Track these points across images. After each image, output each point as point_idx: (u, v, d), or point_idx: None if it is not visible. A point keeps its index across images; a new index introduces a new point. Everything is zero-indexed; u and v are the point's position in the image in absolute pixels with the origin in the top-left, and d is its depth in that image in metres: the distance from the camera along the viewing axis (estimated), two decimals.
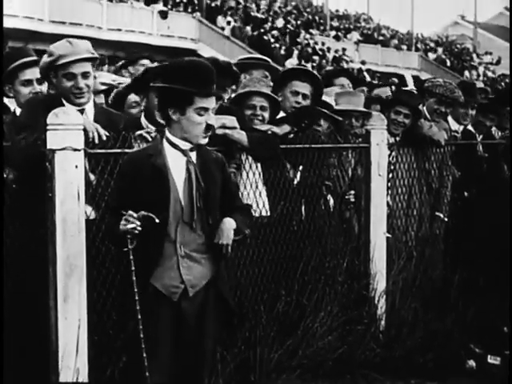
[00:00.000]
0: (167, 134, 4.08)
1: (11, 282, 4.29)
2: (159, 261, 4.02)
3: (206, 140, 4.07)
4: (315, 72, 6.24)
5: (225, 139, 5.14)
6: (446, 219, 6.97)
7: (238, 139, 5.21)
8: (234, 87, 5.89)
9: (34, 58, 5.06)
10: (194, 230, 4.06)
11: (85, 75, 4.71)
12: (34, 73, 4.98)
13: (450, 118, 7.41)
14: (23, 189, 4.48)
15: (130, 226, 3.88)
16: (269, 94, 5.54)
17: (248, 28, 35.74)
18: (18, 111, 4.96)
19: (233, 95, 5.72)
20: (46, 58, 4.73)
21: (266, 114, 5.52)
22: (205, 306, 4.12)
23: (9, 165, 4.40)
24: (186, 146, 4.06)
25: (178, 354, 4.11)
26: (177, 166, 4.05)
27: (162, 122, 4.16)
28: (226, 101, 5.63)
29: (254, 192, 5.39)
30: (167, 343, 4.06)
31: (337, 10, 48.61)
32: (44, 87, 5.04)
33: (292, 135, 5.71)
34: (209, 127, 4.03)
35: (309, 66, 31.51)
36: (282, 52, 34.55)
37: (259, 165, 5.46)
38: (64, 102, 4.71)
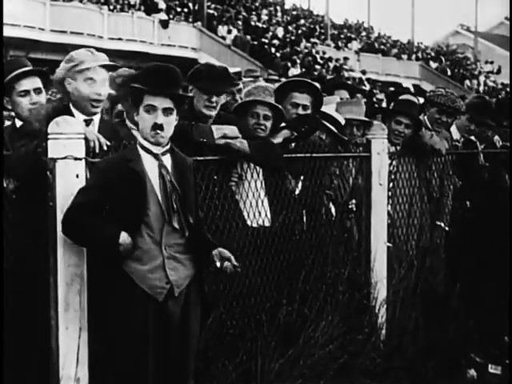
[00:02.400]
0: (138, 138, 4.20)
1: (12, 291, 4.29)
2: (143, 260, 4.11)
3: (160, 139, 4.14)
4: (314, 82, 6.23)
5: (227, 149, 5.16)
6: (446, 228, 6.97)
7: (240, 148, 5.21)
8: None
9: (30, 67, 5.06)
10: (177, 232, 4.17)
11: (103, 83, 4.79)
12: (31, 83, 4.98)
13: (452, 128, 7.42)
14: (23, 197, 4.47)
15: None
16: (273, 104, 5.54)
17: (249, 37, 35.79)
18: (18, 122, 4.95)
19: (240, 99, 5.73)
20: (64, 64, 4.78)
21: (269, 124, 5.51)
22: (188, 305, 4.23)
23: (9, 173, 4.40)
24: (157, 149, 4.16)
25: (163, 355, 4.18)
26: (152, 170, 4.16)
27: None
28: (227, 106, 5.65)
29: (256, 201, 5.39)
30: (152, 344, 4.13)
31: (337, 20, 48.74)
32: (42, 97, 5.04)
33: (293, 143, 5.71)
34: (156, 126, 4.09)
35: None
36: (289, 64, 34.55)
37: (261, 174, 5.46)
38: (74, 110, 4.74)
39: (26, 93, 4.95)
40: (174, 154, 4.24)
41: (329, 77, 28.53)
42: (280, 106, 5.59)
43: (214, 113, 5.36)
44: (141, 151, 4.16)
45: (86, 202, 4.06)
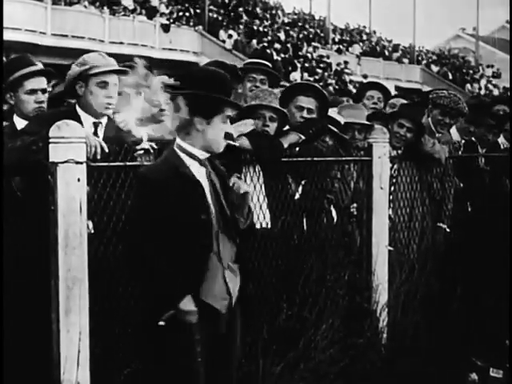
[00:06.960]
0: (181, 142, 3.98)
1: (12, 294, 4.29)
2: (205, 275, 3.94)
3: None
4: (320, 87, 6.22)
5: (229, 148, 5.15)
6: (447, 229, 6.96)
7: (241, 144, 5.22)
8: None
9: (39, 67, 5.07)
10: (230, 240, 4.03)
11: (115, 87, 4.84)
12: (38, 82, 4.98)
13: (452, 130, 7.41)
14: (24, 199, 4.47)
15: None
16: (278, 108, 5.55)
17: (254, 41, 35.81)
18: (17, 120, 4.94)
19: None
20: (76, 68, 4.81)
21: (274, 126, 5.53)
22: (236, 315, 4.12)
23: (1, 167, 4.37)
24: (203, 155, 3.99)
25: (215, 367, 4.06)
26: (200, 176, 3.99)
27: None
28: None
29: (254, 204, 5.38)
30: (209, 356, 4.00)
31: (339, 24, 48.73)
32: (45, 97, 5.04)
33: (299, 147, 5.70)
34: (227, 135, 4.02)
35: (311, 79, 31.59)
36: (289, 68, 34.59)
37: (261, 177, 5.47)
38: (82, 113, 4.78)
39: (33, 91, 4.96)
40: (210, 160, 4.06)
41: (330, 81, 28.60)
42: (285, 110, 5.61)
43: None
44: (183, 156, 3.97)
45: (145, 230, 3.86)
